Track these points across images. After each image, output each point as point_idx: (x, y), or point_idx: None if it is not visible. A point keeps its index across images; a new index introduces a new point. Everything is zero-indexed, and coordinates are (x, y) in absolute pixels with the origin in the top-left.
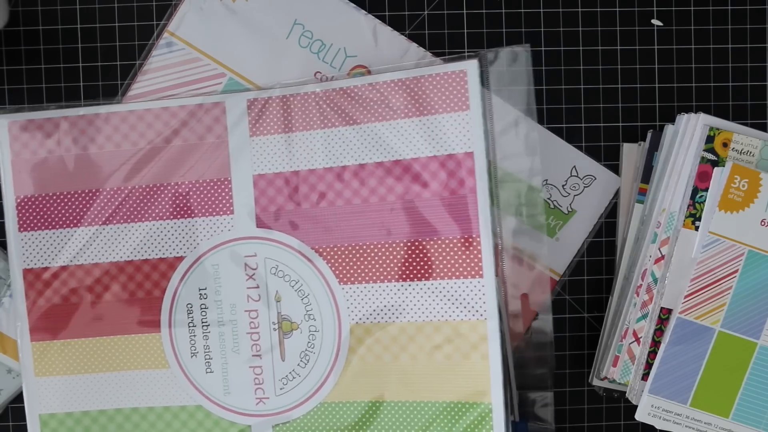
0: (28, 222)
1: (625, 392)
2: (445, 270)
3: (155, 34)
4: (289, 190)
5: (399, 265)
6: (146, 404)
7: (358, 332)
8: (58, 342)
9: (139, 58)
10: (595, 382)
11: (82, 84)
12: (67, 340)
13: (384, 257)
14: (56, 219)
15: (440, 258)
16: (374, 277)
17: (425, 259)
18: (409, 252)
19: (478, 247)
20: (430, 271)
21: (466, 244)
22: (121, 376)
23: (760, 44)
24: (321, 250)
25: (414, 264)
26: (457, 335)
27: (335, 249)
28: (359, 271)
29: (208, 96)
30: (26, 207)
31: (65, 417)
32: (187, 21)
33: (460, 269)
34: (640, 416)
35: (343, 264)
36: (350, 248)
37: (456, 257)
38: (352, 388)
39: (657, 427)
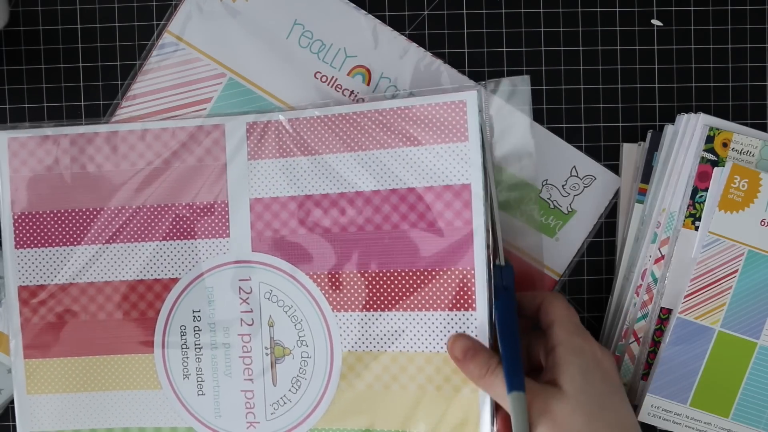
0: (24, 239)
1: None
2: (438, 302)
3: (155, 34)
4: (285, 215)
5: (392, 294)
6: (138, 425)
7: (350, 360)
8: (51, 360)
9: (139, 58)
10: None
11: (82, 84)
12: (60, 359)
13: (377, 286)
14: (53, 237)
15: (434, 289)
16: (367, 306)
17: (419, 289)
18: (403, 282)
19: (472, 280)
20: (423, 302)
21: (460, 276)
22: (114, 396)
23: (760, 44)
24: (315, 276)
25: (407, 294)
26: (448, 367)
27: (329, 276)
28: (352, 298)
29: (208, 118)
30: (23, 224)
31: None
32: (187, 21)
33: (453, 301)
34: (640, 416)
35: (337, 291)
36: (344, 276)
37: (450, 289)
38: (343, 416)
39: (657, 428)
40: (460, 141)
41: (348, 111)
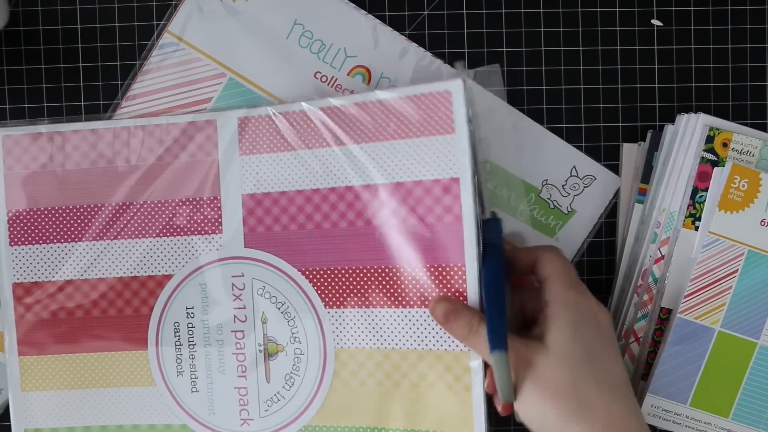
0: (18, 236)
1: None
2: (430, 298)
3: (155, 34)
4: (277, 210)
5: (384, 291)
6: (132, 422)
7: (343, 357)
8: (46, 357)
9: (139, 58)
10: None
11: (82, 84)
12: (55, 356)
13: (369, 282)
14: (47, 234)
15: (425, 285)
16: (360, 302)
17: (411, 286)
18: (395, 278)
19: (463, 276)
20: (415, 298)
21: (451, 272)
22: (108, 393)
23: (760, 44)
24: (308, 272)
25: (399, 291)
26: (440, 365)
27: (321, 272)
28: (345, 295)
29: (199, 114)
30: (17, 221)
31: None
32: (187, 21)
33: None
34: None
35: (330, 287)
36: (336, 272)
37: (441, 285)
38: (336, 413)
39: (657, 427)
40: (447, 133)
41: (337, 104)
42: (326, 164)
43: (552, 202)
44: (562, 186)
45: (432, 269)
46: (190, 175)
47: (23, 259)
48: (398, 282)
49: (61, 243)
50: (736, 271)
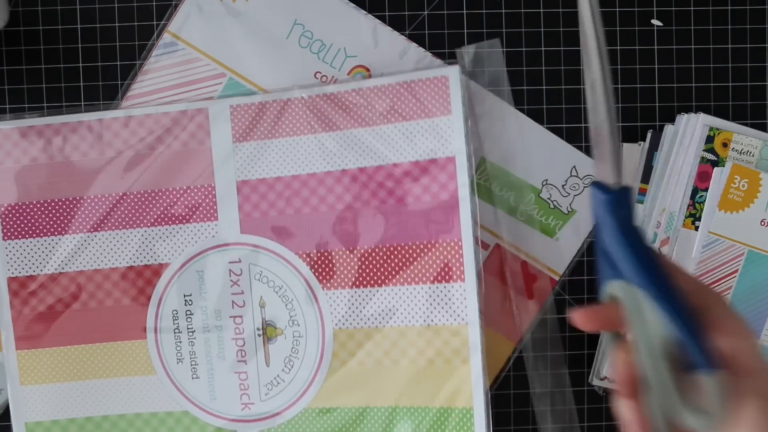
0: (12, 230)
1: None
2: (428, 275)
3: (155, 34)
4: (273, 196)
5: (381, 270)
6: (133, 410)
7: (342, 337)
8: (44, 350)
9: (139, 59)
10: (595, 382)
11: (82, 84)
12: (53, 348)
13: (366, 263)
14: (41, 227)
15: (422, 263)
16: (357, 283)
17: (408, 264)
18: (392, 257)
19: (460, 251)
20: (412, 276)
21: (448, 248)
22: (108, 383)
23: (759, 44)
24: (305, 255)
25: (397, 269)
26: (439, 340)
27: (319, 254)
28: (342, 276)
29: (191, 102)
30: (10, 216)
31: (51, 425)
32: (187, 21)
33: (442, 273)
34: None
35: (327, 269)
36: (333, 254)
37: (438, 262)
38: (336, 394)
39: None
40: (443, 115)
41: (332, 91)
42: (321, 149)
43: (552, 202)
44: (562, 186)
45: (429, 245)
46: (184, 164)
47: (17, 253)
48: (396, 260)
49: (55, 236)
50: (736, 271)
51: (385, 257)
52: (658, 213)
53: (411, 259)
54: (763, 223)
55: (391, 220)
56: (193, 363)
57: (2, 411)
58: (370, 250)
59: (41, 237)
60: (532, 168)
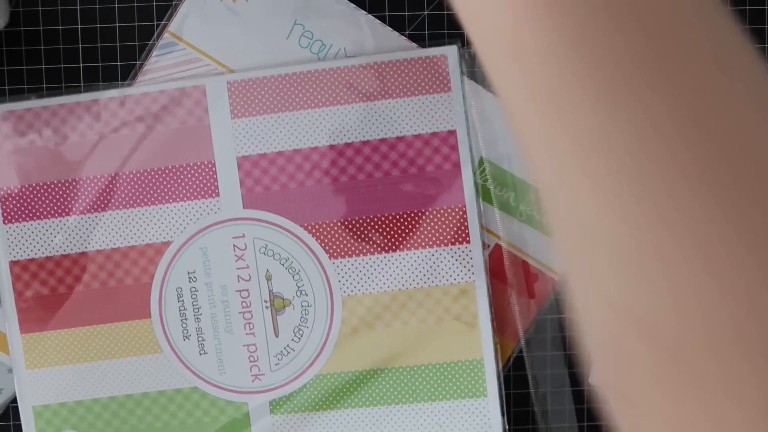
0: (12, 214)
1: None
2: (434, 239)
3: (156, 34)
4: (275, 170)
5: (389, 237)
6: (140, 390)
7: (351, 304)
8: (48, 333)
9: (139, 59)
10: (596, 382)
11: (82, 84)
12: (57, 331)
13: (374, 231)
14: (41, 209)
15: (429, 228)
16: (364, 251)
17: (414, 230)
18: (399, 225)
19: (464, 216)
20: (419, 240)
21: (453, 213)
22: (114, 364)
23: (760, 44)
24: (310, 227)
25: (404, 235)
26: (447, 298)
27: (324, 226)
28: (349, 245)
29: (187, 80)
30: (10, 199)
31: (59, 407)
32: (187, 21)
33: (449, 237)
34: None
35: (333, 239)
36: (339, 224)
37: (444, 226)
38: (347, 359)
39: None
40: (443, 92)
41: (331, 66)
42: (323, 123)
43: None
44: None
45: (434, 212)
46: (183, 142)
47: (18, 236)
48: (402, 227)
49: (55, 218)
50: None
51: (390, 225)
52: None
53: (417, 226)
54: None
55: (396, 189)
56: (200, 339)
57: (2, 411)
58: (375, 219)
59: (42, 219)
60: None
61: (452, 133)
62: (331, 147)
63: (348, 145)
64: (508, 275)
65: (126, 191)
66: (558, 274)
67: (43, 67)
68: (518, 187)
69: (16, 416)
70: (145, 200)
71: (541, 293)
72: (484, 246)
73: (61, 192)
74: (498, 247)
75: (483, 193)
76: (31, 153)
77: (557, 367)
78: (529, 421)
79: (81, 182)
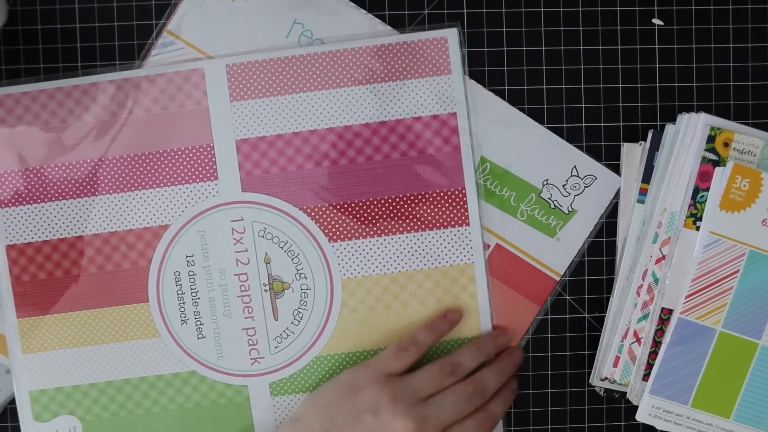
0: (8, 198)
1: (625, 393)
2: (434, 221)
3: (154, 33)
4: (273, 153)
5: (388, 219)
6: (138, 374)
7: (350, 286)
8: (45, 317)
9: (138, 58)
10: (596, 383)
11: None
12: (54, 315)
13: (373, 213)
14: (37, 194)
15: (428, 210)
16: (364, 233)
17: (414, 212)
18: (398, 207)
19: (464, 198)
20: (419, 223)
21: (452, 196)
22: (111, 348)
23: (761, 44)
24: (309, 210)
25: (403, 218)
26: (446, 280)
27: (323, 209)
28: (348, 227)
29: (186, 62)
30: (6, 182)
31: (56, 392)
32: (186, 20)
33: (448, 219)
34: (640, 417)
35: (332, 222)
36: (339, 207)
37: (443, 209)
38: (347, 341)
39: (658, 428)
40: (444, 74)
41: (330, 49)
42: (322, 106)
43: (553, 202)
44: (563, 186)
45: (435, 195)
46: (181, 124)
47: (14, 220)
48: (401, 210)
49: (52, 202)
50: (738, 271)
51: (390, 207)
52: (659, 213)
53: (416, 208)
54: (764, 223)
55: (396, 172)
56: (198, 323)
57: (1, 410)
58: (375, 201)
59: (38, 203)
60: (533, 168)
61: (452, 115)
62: (330, 130)
63: (347, 128)
64: (508, 276)
65: (123, 175)
66: (558, 274)
67: (41, 66)
68: (518, 187)
69: (15, 417)
70: (143, 183)
71: (541, 294)
72: (485, 246)
73: (57, 176)
74: (498, 247)
75: (484, 194)
76: (27, 137)
77: (558, 367)
78: (530, 421)
79: (78, 166)
